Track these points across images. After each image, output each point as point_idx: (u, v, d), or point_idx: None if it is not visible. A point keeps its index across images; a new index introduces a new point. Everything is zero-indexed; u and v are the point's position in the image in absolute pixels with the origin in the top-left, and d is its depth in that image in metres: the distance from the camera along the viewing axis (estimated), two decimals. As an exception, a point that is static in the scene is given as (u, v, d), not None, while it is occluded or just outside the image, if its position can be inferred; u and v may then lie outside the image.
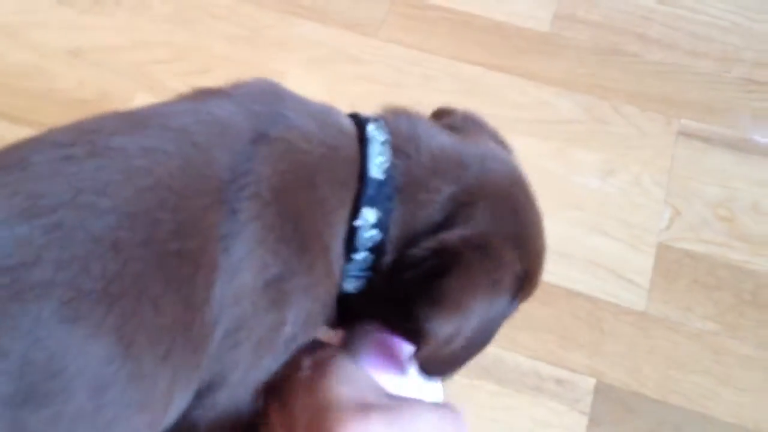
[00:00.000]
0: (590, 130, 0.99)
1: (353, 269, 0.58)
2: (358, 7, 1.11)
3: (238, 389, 0.55)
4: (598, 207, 0.92)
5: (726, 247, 0.89)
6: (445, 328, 0.55)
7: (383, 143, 0.59)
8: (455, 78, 1.04)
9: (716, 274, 0.87)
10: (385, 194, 0.57)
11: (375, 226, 0.57)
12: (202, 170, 0.51)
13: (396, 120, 0.61)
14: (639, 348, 0.83)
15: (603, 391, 0.80)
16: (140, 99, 1.01)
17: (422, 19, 1.10)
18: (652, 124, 0.99)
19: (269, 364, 0.56)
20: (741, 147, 0.97)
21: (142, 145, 0.50)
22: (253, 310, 0.52)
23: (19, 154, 0.48)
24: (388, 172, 0.58)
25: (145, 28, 1.08)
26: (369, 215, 0.57)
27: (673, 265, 0.88)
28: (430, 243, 0.56)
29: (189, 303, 0.49)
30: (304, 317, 0.55)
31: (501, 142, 0.67)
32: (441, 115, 0.68)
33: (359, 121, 0.60)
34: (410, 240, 0.57)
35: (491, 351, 0.76)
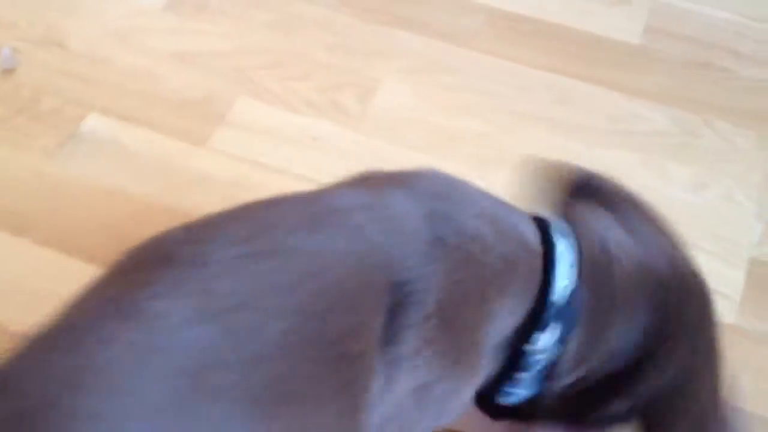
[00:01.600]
0: (682, 144, 1.00)
1: (511, 388, 0.58)
2: (455, 18, 1.13)
3: None
4: (689, 220, 0.93)
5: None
6: None
7: (571, 266, 0.56)
8: (549, 89, 1.05)
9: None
10: (565, 318, 0.55)
11: (551, 339, 0.56)
12: (374, 272, 0.49)
13: (586, 233, 0.59)
14: (729, 361, 0.84)
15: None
16: (242, 102, 1.04)
17: (517, 31, 1.12)
18: (744, 139, 1.00)
19: None
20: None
21: (320, 245, 0.49)
22: (398, 411, 0.51)
23: (198, 249, 0.47)
24: (572, 296, 0.55)
25: (247, 34, 1.12)
26: (542, 339, 0.56)
27: (765, 279, 0.89)
28: (649, 386, 0.56)
29: (349, 406, 0.48)
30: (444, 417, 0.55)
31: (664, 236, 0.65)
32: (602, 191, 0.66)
33: (546, 235, 0.57)
34: (585, 360, 0.57)
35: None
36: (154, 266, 0.46)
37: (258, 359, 0.43)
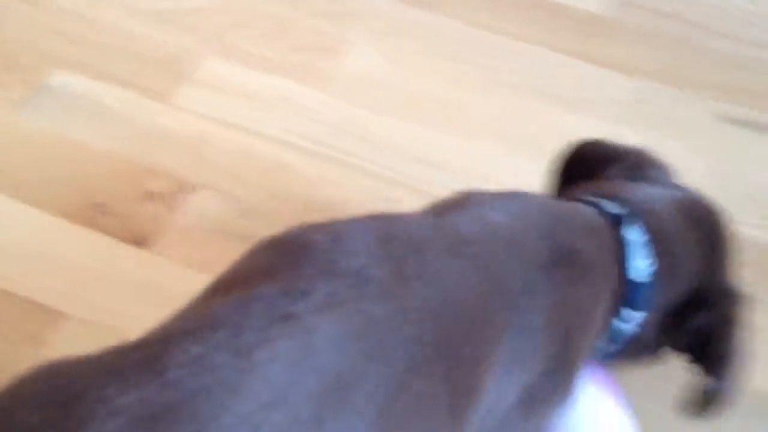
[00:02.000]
0: (639, 111, 1.02)
1: (600, 353, 0.63)
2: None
3: None
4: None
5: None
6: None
7: (644, 245, 0.62)
8: (518, 56, 1.07)
9: None
10: (648, 296, 0.61)
11: (633, 320, 0.61)
12: (495, 293, 0.53)
13: (639, 210, 0.64)
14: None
15: None
16: (211, 61, 1.05)
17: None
18: (701, 108, 1.03)
19: None
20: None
21: (456, 274, 0.51)
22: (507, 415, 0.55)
23: (352, 262, 0.49)
24: (653, 275, 0.61)
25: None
26: (631, 315, 0.61)
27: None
28: (699, 319, 0.63)
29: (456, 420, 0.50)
30: (545, 412, 0.59)
31: (669, 175, 0.73)
32: (608, 153, 0.72)
33: (616, 226, 0.62)
34: (662, 313, 0.64)
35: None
36: (309, 273, 0.48)
37: (390, 383, 0.45)
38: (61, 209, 0.90)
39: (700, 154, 0.98)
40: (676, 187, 0.70)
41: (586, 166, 0.72)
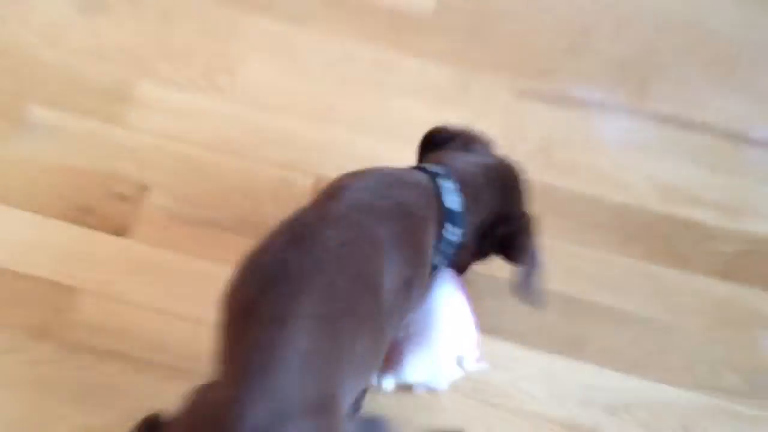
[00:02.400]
0: (454, 96, 1.43)
1: (441, 256, 1.03)
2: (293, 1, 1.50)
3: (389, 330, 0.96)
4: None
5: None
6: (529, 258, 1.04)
7: (453, 190, 1.01)
8: (373, 60, 1.45)
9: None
10: (460, 218, 1.02)
11: (456, 233, 1.02)
12: (372, 233, 0.93)
13: (452, 166, 1.05)
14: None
15: None
16: (144, 85, 1.40)
17: (346, 10, 1.50)
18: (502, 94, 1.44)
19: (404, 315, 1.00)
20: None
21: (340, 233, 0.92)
22: (397, 297, 0.94)
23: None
24: (462, 205, 1.01)
25: (141, 27, 1.46)
26: (454, 231, 1.02)
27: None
28: (502, 230, 1.06)
29: (376, 296, 0.91)
30: (419, 292, 1.00)
31: (489, 147, 1.14)
32: (447, 135, 1.13)
33: (434, 179, 1.02)
34: (477, 230, 1.05)
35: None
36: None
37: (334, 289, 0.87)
38: (53, 213, 1.27)
39: (498, 125, 1.40)
40: (489, 154, 1.12)
41: (434, 145, 1.13)
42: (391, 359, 1.09)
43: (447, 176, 1.03)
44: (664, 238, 1.30)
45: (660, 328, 1.23)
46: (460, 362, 1.13)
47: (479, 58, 1.46)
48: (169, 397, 0.86)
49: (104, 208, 1.28)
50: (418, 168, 1.05)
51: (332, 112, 1.39)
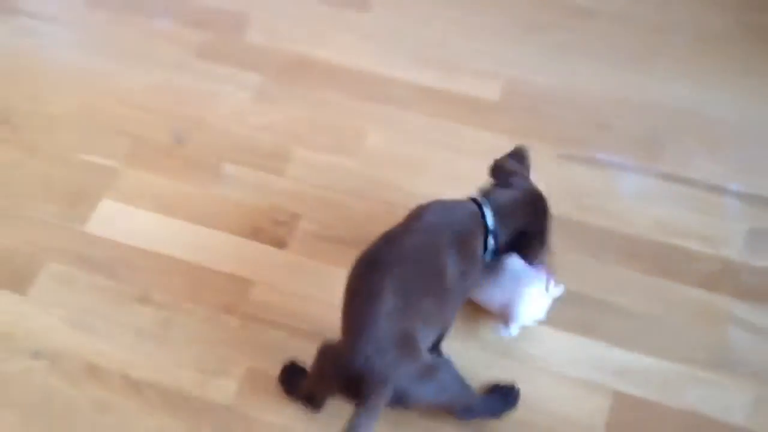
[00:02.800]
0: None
1: (488, 254, 1.57)
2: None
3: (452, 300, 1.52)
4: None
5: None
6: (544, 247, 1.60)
7: (493, 214, 1.54)
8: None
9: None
10: (495, 233, 1.54)
11: (494, 242, 1.55)
12: (439, 241, 1.48)
13: (493, 199, 1.57)
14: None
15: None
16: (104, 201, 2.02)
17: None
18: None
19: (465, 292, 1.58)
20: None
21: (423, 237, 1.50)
22: (457, 281, 1.50)
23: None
24: (496, 225, 1.54)
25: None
26: (491, 241, 1.54)
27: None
28: (523, 242, 1.60)
29: (440, 278, 1.47)
30: (472, 279, 1.55)
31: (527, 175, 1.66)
32: (502, 171, 1.66)
33: (480, 207, 1.55)
34: (507, 240, 1.58)
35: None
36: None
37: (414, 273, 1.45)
38: (237, 232, 1.88)
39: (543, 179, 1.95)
40: (524, 185, 1.63)
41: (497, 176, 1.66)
42: (507, 315, 1.66)
43: (488, 205, 1.58)
44: (659, 258, 1.82)
45: (652, 320, 1.74)
46: (546, 294, 1.66)
47: (532, 131, 2.02)
48: (314, 352, 1.46)
49: (270, 230, 1.89)
50: (470, 199, 1.61)
51: (426, 167, 1.98)
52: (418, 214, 1.56)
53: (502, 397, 1.62)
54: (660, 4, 2.23)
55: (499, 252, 1.60)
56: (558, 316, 1.73)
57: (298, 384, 1.63)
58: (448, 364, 1.52)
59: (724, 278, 1.78)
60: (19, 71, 2.22)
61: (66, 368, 1.72)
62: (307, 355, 1.54)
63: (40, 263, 1.86)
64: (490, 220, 1.56)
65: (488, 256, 1.58)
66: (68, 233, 1.91)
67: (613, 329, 1.73)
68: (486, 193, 1.61)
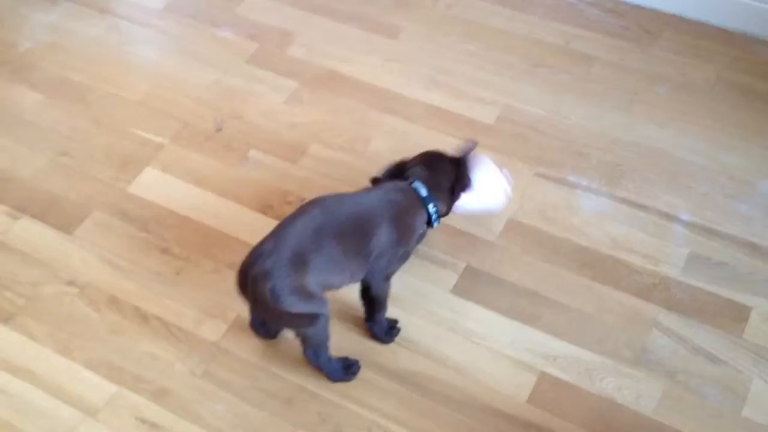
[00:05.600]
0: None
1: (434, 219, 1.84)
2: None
3: (380, 272, 1.76)
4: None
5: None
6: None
7: (424, 187, 1.80)
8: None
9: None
10: (431, 200, 1.80)
11: (434, 208, 1.82)
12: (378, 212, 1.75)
13: (421, 177, 1.83)
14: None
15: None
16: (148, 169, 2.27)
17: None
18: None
19: (392, 266, 1.80)
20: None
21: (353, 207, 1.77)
22: (385, 249, 1.74)
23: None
24: (429, 194, 1.80)
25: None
26: (431, 207, 1.81)
27: (520, 228, 2.08)
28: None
29: (364, 247, 1.72)
30: (409, 245, 1.80)
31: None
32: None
33: (412, 183, 1.82)
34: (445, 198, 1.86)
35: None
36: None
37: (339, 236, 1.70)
38: (251, 206, 2.14)
39: (519, 190, 2.15)
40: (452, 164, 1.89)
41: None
42: (493, 198, 1.97)
43: (418, 182, 1.82)
44: (604, 268, 1.98)
45: (587, 318, 1.90)
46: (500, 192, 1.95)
47: (516, 152, 2.22)
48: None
49: (278, 207, 2.14)
50: (404, 181, 1.85)
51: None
52: (365, 190, 1.83)
53: (345, 368, 1.81)
54: (650, 56, 2.41)
55: (447, 212, 1.87)
56: (506, 304, 1.92)
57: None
58: (324, 307, 1.68)
59: (657, 291, 1.93)
60: (103, 60, 2.55)
61: (92, 296, 1.99)
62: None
63: (87, 211, 2.16)
64: (423, 191, 1.80)
65: (435, 222, 1.83)
66: (115, 191, 2.20)
67: (552, 321, 1.90)
68: (412, 176, 1.85)
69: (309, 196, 2.07)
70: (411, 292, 1.96)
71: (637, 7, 2.53)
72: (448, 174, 1.86)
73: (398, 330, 1.87)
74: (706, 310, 1.90)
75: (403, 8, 2.60)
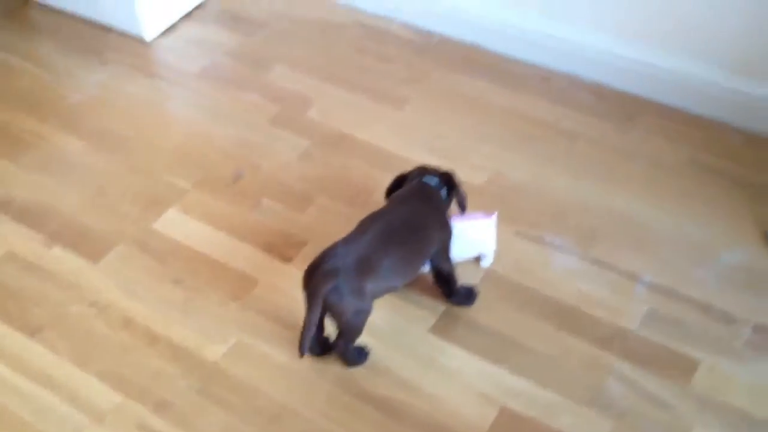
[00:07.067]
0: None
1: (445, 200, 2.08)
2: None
3: (444, 255, 2.05)
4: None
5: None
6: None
7: (437, 181, 2.06)
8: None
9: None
10: (441, 188, 2.06)
11: (445, 194, 2.08)
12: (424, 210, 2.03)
13: (427, 176, 2.08)
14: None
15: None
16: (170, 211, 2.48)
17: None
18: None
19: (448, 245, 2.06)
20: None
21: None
22: (440, 237, 2.02)
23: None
24: (438, 185, 2.05)
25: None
26: (443, 192, 2.07)
27: (498, 279, 2.24)
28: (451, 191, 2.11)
29: (424, 246, 1.99)
30: (449, 228, 2.06)
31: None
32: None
33: (421, 180, 2.08)
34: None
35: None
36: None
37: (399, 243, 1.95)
38: (258, 246, 2.33)
39: (500, 244, 2.31)
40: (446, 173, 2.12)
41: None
42: (483, 254, 2.21)
43: (431, 178, 2.09)
44: (569, 318, 2.12)
45: (549, 360, 2.04)
46: (493, 224, 2.14)
47: (501, 211, 2.37)
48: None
49: (282, 249, 2.32)
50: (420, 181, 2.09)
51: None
52: (395, 197, 2.10)
53: (359, 352, 2.03)
54: (629, 136, 2.59)
55: (449, 200, 2.12)
56: (478, 344, 2.07)
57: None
58: (370, 306, 1.93)
59: (615, 341, 2.07)
60: (142, 114, 2.79)
61: (109, 317, 2.18)
62: (292, 346, 2.04)
63: (113, 243, 2.36)
64: (433, 182, 2.08)
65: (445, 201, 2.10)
66: (139, 227, 2.41)
67: (519, 362, 2.04)
68: (419, 176, 2.11)
69: (312, 240, 2.29)
70: (393, 328, 2.11)
71: (621, 92, 2.71)
72: (442, 180, 2.11)
73: (477, 293, 2.16)
74: (658, 361, 2.02)
75: (414, 83, 2.82)
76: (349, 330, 1.94)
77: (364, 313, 1.90)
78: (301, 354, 1.89)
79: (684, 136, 2.58)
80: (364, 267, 1.85)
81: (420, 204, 2.01)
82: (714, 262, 2.24)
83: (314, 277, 1.85)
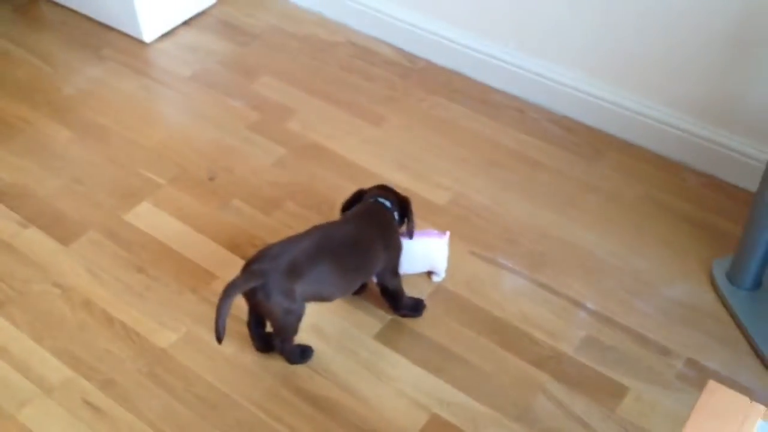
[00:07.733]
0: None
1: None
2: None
3: (388, 273, 2.10)
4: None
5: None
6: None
7: (392, 203, 2.09)
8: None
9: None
10: (394, 210, 2.09)
11: (398, 216, 2.12)
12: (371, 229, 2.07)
13: (384, 197, 2.11)
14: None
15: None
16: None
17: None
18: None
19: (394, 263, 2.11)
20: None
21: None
22: (385, 256, 2.06)
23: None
24: (392, 207, 2.08)
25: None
26: (395, 213, 2.10)
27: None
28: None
29: (366, 263, 2.05)
30: (398, 246, 2.10)
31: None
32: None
33: (376, 200, 2.10)
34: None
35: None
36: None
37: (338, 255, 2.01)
38: (225, 245, 2.40)
39: (453, 263, 2.37)
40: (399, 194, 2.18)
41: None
42: (434, 269, 2.26)
43: (385, 198, 2.12)
44: (510, 337, 2.17)
45: (484, 375, 2.08)
46: (446, 242, 2.20)
47: (457, 231, 2.44)
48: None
49: (245, 248, 2.38)
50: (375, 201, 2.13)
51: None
52: (348, 214, 2.14)
53: (301, 353, 2.08)
54: (592, 169, 2.64)
55: (400, 224, 2.16)
56: (418, 354, 2.13)
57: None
58: (301, 308, 1.98)
59: (550, 362, 2.12)
60: (131, 110, 2.87)
61: (71, 298, 2.25)
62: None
63: (85, 229, 2.44)
64: (387, 203, 2.11)
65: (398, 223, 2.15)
66: (112, 217, 2.48)
67: (454, 374, 2.09)
68: (373, 196, 2.15)
69: (273, 241, 2.34)
70: (339, 331, 2.17)
71: (590, 127, 2.77)
72: (398, 201, 2.17)
73: (425, 306, 2.22)
74: (588, 384, 2.07)
75: (393, 103, 2.89)
76: (281, 329, 2.00)
77: (293, 314, 1.94)
78: (218, 340, 1.92)
79: (644, 174, 2.64)
80: (295, 270, 1.90)
81: (367, 223, 2.05)
82: (656, 295, 2.29)
83: (243, 271, 1.93)
